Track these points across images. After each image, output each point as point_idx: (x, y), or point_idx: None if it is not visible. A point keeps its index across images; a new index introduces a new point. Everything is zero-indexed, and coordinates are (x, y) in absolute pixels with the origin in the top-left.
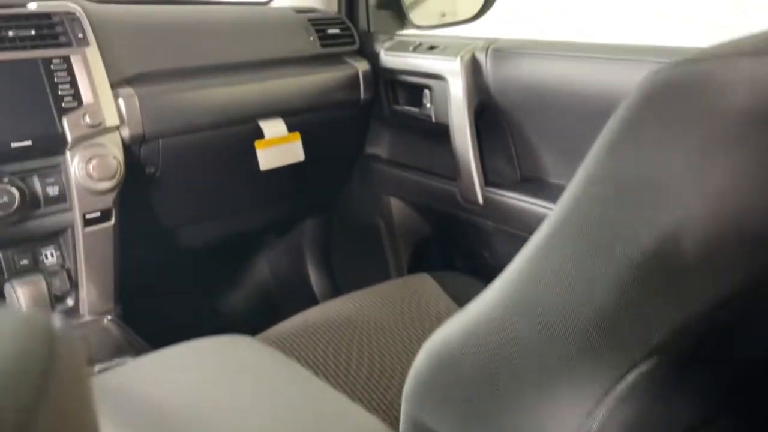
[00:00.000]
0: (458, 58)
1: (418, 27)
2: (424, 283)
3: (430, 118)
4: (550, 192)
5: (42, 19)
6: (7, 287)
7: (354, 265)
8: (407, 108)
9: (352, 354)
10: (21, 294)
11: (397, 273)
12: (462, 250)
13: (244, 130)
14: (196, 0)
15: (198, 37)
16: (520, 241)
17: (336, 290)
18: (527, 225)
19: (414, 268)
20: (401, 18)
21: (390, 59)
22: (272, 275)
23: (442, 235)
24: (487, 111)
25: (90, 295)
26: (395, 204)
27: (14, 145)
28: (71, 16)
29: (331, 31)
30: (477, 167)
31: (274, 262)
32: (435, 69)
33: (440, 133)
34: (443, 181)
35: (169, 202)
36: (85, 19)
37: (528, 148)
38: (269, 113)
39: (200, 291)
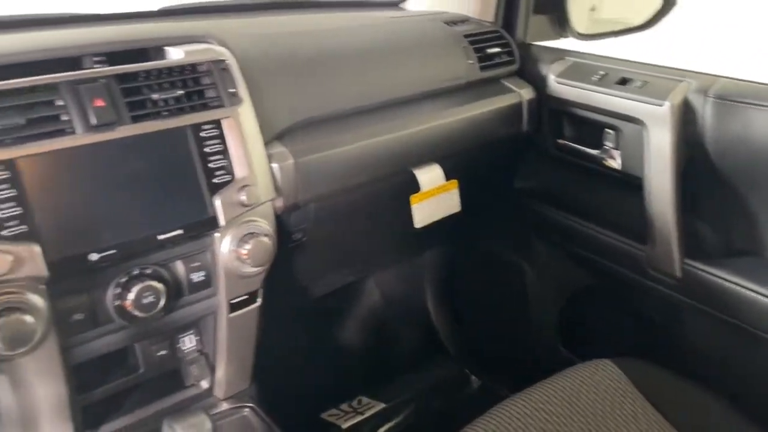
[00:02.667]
0: (667, 103)
1: (580, 36)
2: (611, 375)
3: (610, 162)
4: None
5: (188, 73)
6: (166, 429)
7: (484, 306)
8: (579, 147)
9: None
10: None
11: (542, 331)
12: (640, 325)
13: (398, 183)
14: (324, 2)
15: (344, 68)
16: (724, 327)
17: (457, 328)
18: (735, 310)
19: (567, 329)
20: (561, 24)
21: (562, 88)
22: (385, 305)
23: (610, 301)
24: (694, 165)
25: (227, 377)
26: (547, 248)
27: (161, 237)
28: (221, 65)
29: (491, 50)
30: (678, 233)
31: (387, 291)
32: (631, 110)
33: (625, 182)
34: (625, 240)
35: (311, 265)
36: (236, 67)
37: (749, 217)
38: (424, 160)
39: (317, 328)
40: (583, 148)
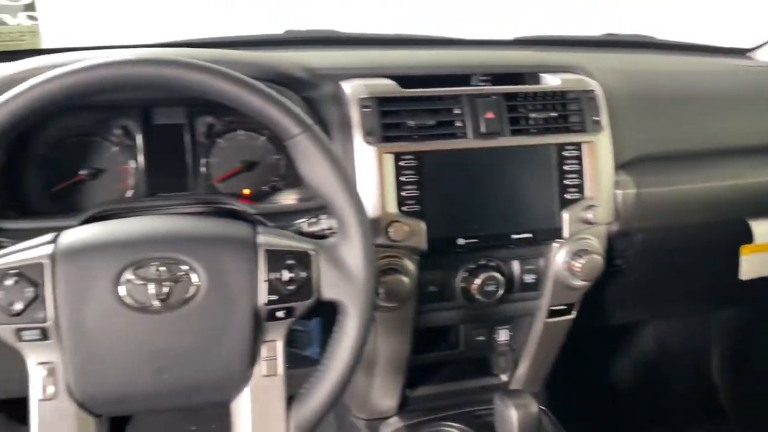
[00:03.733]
0: None
1: None
2: None
3: None
4: None
5: (559, 98)
6: (499, 403)
7: None
8: None
9: None
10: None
11: None
12: None
13: (729, 231)
14: (669, 44)
15: (697, 110)
16: None
17: (742, 393)
18: None
19: None
20: None
21: None
22: (663, 353)
23: None
24: None
25: (526, 375)
26: None
27: (514, 236)
28: (589, 95)
29: None
30: None
31: (668, 342)
32: None
33: None
34: None
35: (621, 294)
36: (602, 97)
37: None
38: (763, 212)
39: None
40: None
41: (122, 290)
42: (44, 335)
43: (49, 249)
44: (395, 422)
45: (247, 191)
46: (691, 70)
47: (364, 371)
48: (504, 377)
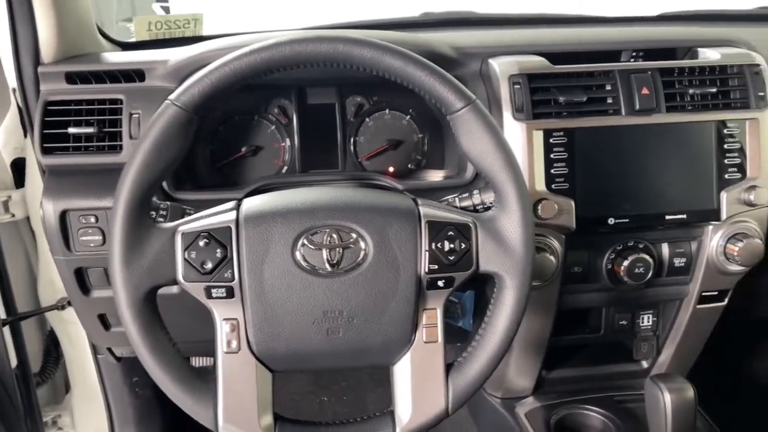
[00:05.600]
0: None
1: None
2: None
3: None
4: None
5: (719, 73)
6: (650, 386)
7: None
8: None
9: None
10: None
11: None
12: None
13: None
14: None
15: None
16: None
17: None
18: None
19: None
20: None
21: None
22: None
23: None
24: None
25: (669, 364)
26: None
27: (669, 217)
28: (754, 69)
29: None
30: None
31: None
32: None
33: None
34: None
35: None
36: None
37: None
38: None
39: None
40: None
41: (298, 255)
42: (230, 293)
43: (233, 215)
44: (531, 402)
45: (391, 169)
46: None
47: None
48: (645, 364)
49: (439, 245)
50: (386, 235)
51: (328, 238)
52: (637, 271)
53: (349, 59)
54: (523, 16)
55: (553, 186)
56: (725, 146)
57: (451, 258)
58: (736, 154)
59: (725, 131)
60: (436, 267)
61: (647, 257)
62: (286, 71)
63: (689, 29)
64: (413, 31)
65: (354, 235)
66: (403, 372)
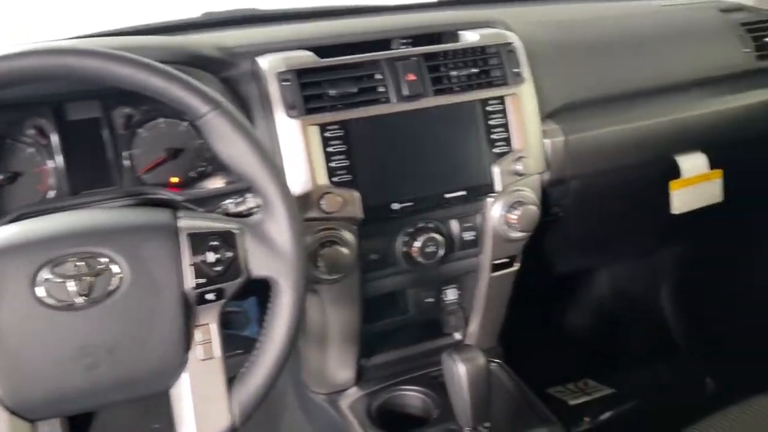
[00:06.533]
0: None
1: None
2: None
3: None
4: None
5: (479, 54)
6: (447, 360)
7: (732, 304)
8: None
9: None
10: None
11: None
12: None
13: (659, 169)
14: None
15: (618, 54)
16: None
17: (694, 328)
18: None
19: None
20: None
21: None
22: (616, 297)
23: None
24: None
25: (479, 331)
26: None
27: (447, 195)
28: (508, 48)
29: None
30: None
31: (620, 284)
32: None
33: None
34: None
35: (563, 242)
36: (522, 49)
37: None
38: (688, 147)
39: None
40: None
41: (40, 291)
42: None
43: None
44: (354, 393)
45: (175, 179)
46: (608, 16)
47: (317, 345)
48: (458, 336)
49: (202, 257)
50: (141, 256)
51: (74, 268)
52: (428, 250)
53: (71, 71)
54: (304, 10)
55: (335, 179)
56: (491, 122)
57: (218, 269)
58: (502, 129)
59: (489, 108)
60: (204, 280)
61: (437, 236)
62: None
63: (452, 13)
64: (194, 32)
65: (104, 260)
66: (181, 395)
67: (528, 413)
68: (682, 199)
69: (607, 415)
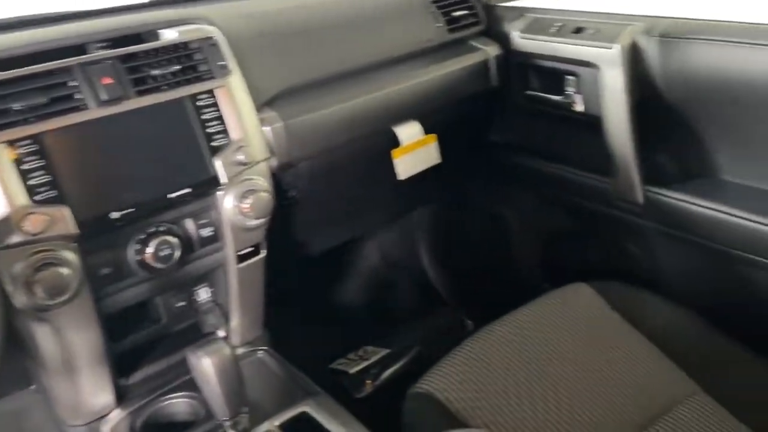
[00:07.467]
0: (617, 45)
1: None
2: (586, 296)
3: (574, 106)
4: (724, 191)
5: (182, 51)
6: (191, 358)
7: (474, 256)
8: (545, 95)
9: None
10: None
11: (527, 272)
12: (613, 253)
13: (380, 139)
14: None
15: (327, 38)
16: (685, 245)
17: (451, 280)
18: (695, 228)
19: (548, 266)
20: None
21: (525, 42)
22: (385, 264)
23: (585, 235)
24: (648, 102)
25: (241, 324)
26: (525, 196)
27: (171, 195)
28: (210, 42)
29: (457, 12)
30: (636, 163)
31: (386, 251)
32: (585, 56)
33: (588, 123)
34: (591, 176)
35: (306, 220)
36: (225, 42)
37: (699, 143)
38: (403, 117)
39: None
40: (549, 96)
41: None
42: None
43: None
44: (116, 415)
45: None
46: (312, 4)
47: (64, 376)
48: (221, 333)
49: None
50: None
51: None
52: (163, 254)
53: None
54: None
55: (37, 197)
56: (204, 116)
57: None
58: (217, 122)
59: (199, 103)
60: None
61: (170, 238)
62: None
63: (152, 13)
64: None
65: None
66: None
67: (295, 390)
68: (405, 165)
69: (386, 373)
